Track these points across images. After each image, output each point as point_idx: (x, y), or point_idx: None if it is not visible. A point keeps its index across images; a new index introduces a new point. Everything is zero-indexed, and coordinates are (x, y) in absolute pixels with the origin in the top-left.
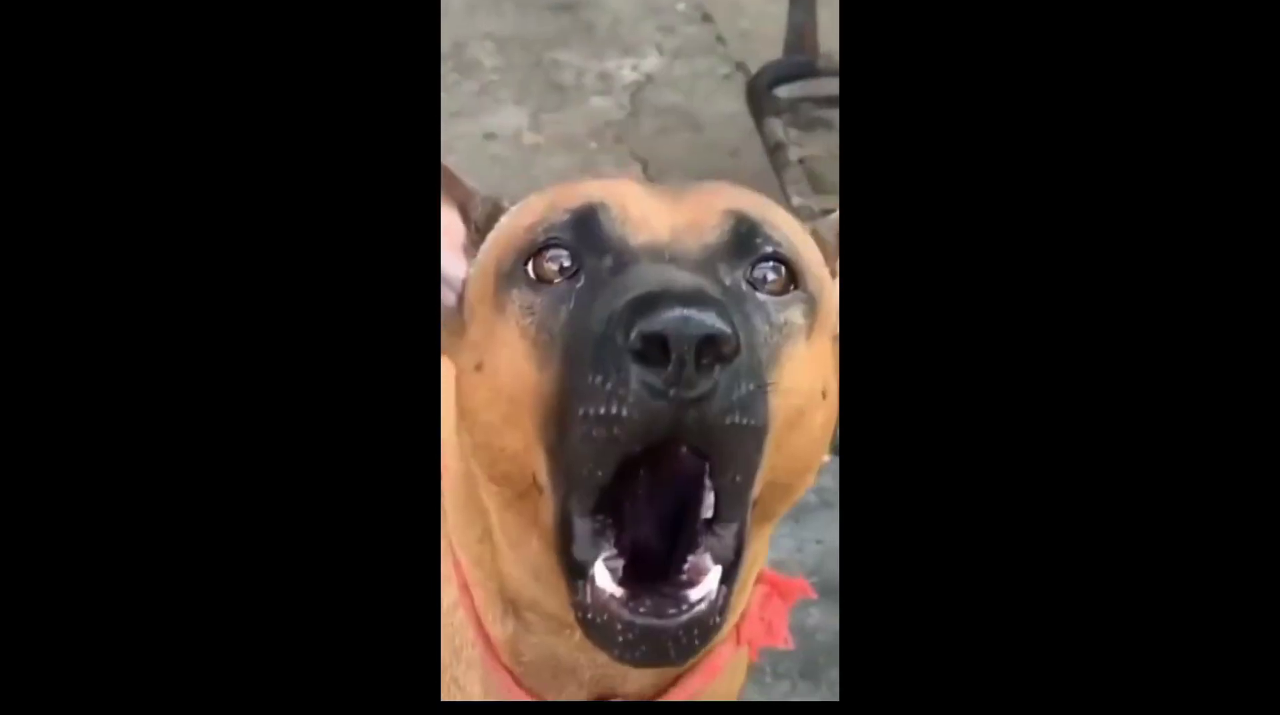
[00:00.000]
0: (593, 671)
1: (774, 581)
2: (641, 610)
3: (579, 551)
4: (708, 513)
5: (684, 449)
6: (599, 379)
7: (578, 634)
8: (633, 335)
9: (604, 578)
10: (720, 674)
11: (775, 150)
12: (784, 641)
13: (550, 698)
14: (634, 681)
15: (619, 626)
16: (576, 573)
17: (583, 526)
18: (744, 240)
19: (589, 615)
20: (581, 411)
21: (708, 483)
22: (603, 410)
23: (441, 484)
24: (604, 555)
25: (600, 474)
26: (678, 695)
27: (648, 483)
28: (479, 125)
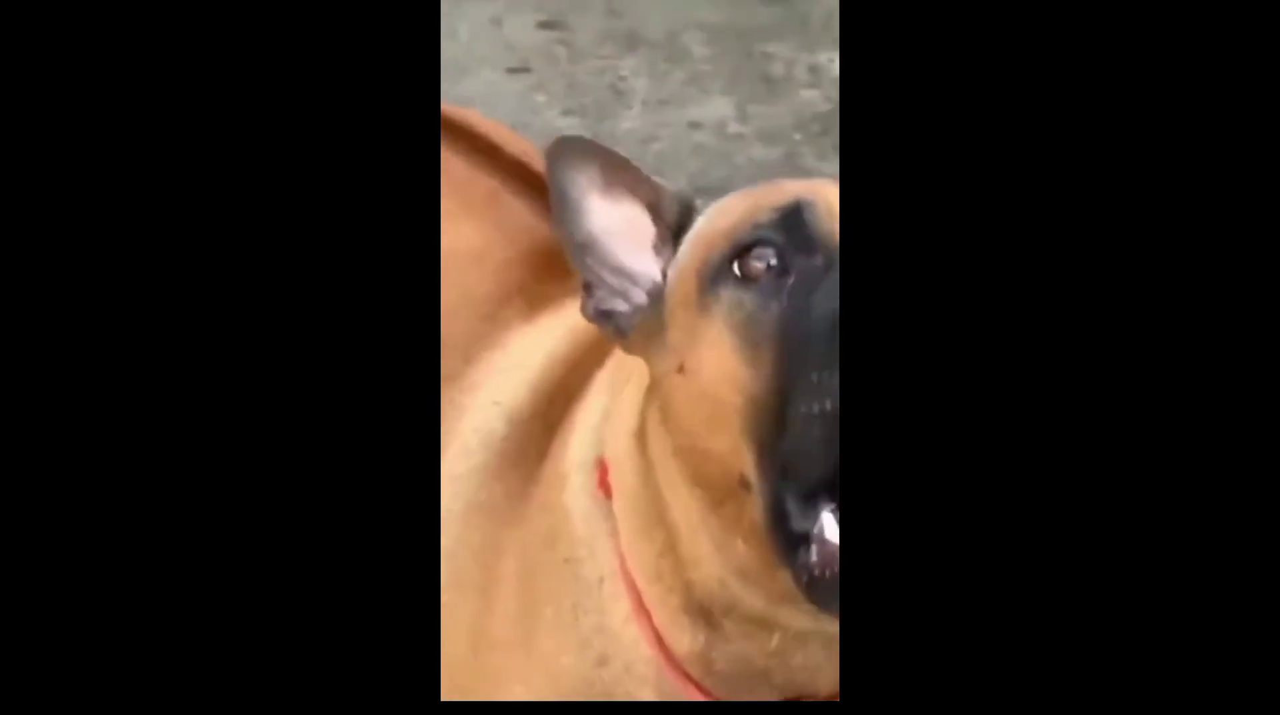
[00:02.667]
0: (784, 675)
1: None
2: None
3: (796, 524)
4: None
5: None
6: (826, 374)
7: (775, 638)
8: None
9: (832, 529)
10: None
11: None
12: None
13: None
14: (825, 680)
15: None
16: (795, 543)
17: (796, 502)
18: None
19: (815, 573)
20: (805, 409)
21: None
22: (830, 406)
23: (615, 506)
24: (825, 511)
25: (825, 469)
26: None
27: None
28: (685, 114)
